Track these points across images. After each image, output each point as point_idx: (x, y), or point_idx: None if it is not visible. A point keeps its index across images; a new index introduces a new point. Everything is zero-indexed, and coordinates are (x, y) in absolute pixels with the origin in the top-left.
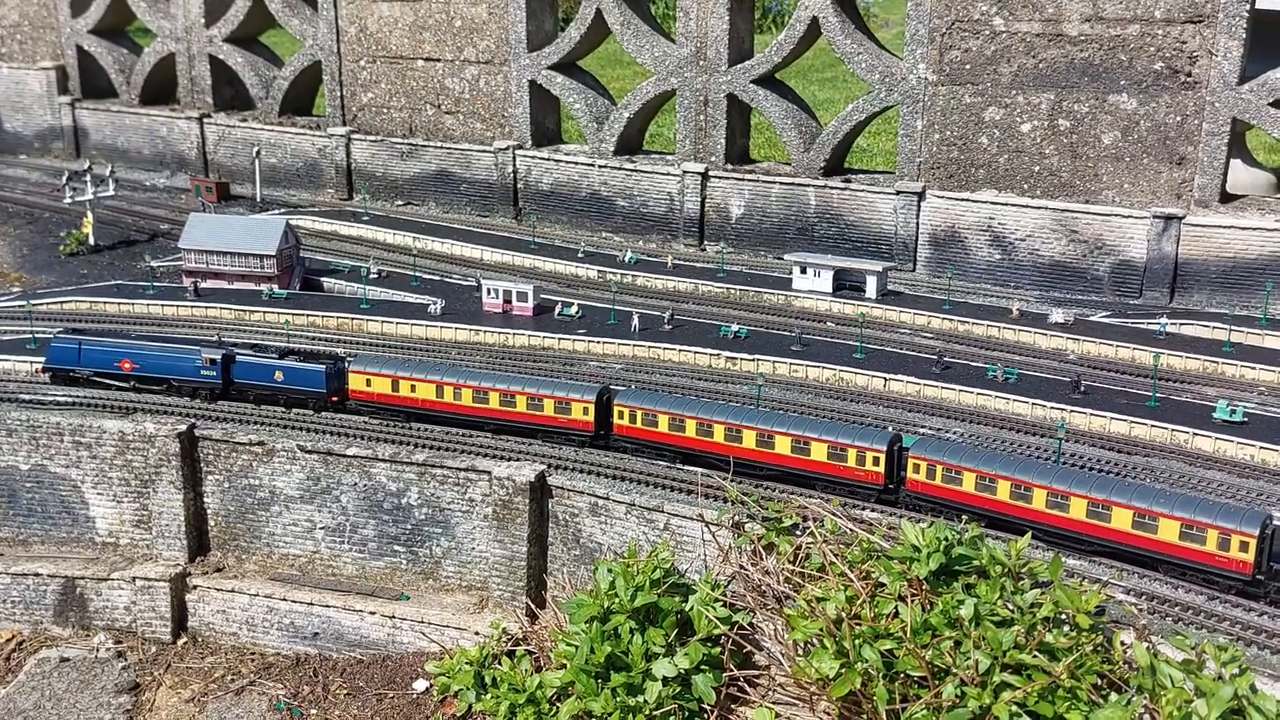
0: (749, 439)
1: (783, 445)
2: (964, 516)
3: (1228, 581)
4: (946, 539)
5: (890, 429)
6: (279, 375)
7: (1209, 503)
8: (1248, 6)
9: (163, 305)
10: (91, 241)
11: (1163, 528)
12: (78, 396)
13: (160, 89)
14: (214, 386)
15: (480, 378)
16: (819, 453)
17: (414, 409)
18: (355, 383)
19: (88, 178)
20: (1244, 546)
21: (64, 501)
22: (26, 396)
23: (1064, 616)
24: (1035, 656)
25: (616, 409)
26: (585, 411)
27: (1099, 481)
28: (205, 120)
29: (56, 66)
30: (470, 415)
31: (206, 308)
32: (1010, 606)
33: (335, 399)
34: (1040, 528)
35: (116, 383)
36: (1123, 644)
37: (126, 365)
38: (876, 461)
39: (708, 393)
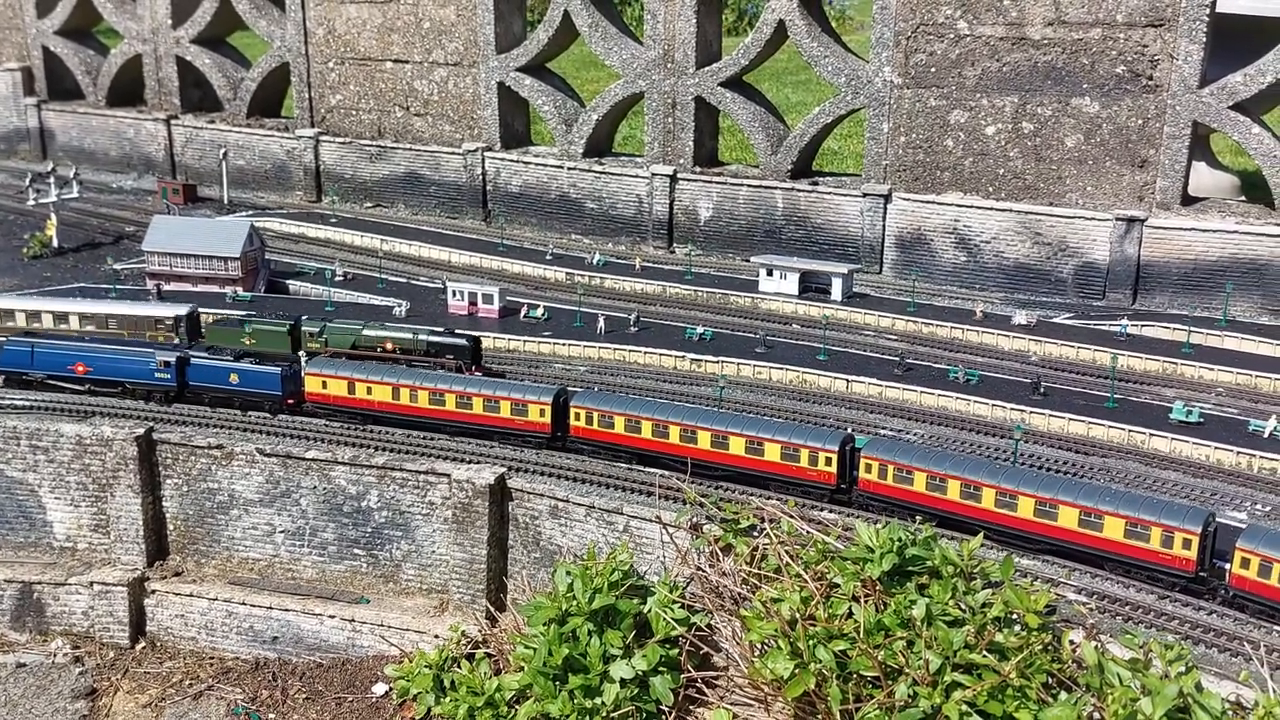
0: (704, 440)
1: (737, 446)
2: (918, 517)
3: (1171, 578)
4: (900, 540)
5: (849, 430)
6: (234, 378)
7: (1153, 501)
8: (1208, 10)
9: None
10: (55, 244)
11: (1108, 526)
12: (35, 400)
13: (127, 90)
14: (169, 389)
15: (435, 379)
16: (772, 453)
17: (370, 411)
18: (311, 385)
19: (51, 180)
20: (1187, 544)
21: (21, 506)
22: None
23: (1014, 616)
24: (985, 656)
25: (573, 411)
26: (542, 413)
27: (1046, 481)
28: (173, 122)
29: (22, 68)
30: (426, 417)
31: None
32: (962, 606)
33: (291, 401)
34: (990, 527)
35: (71, 385)
36: (1072, 643)
37: (80, 368)
38: (829, 462)
39: (672, 395)
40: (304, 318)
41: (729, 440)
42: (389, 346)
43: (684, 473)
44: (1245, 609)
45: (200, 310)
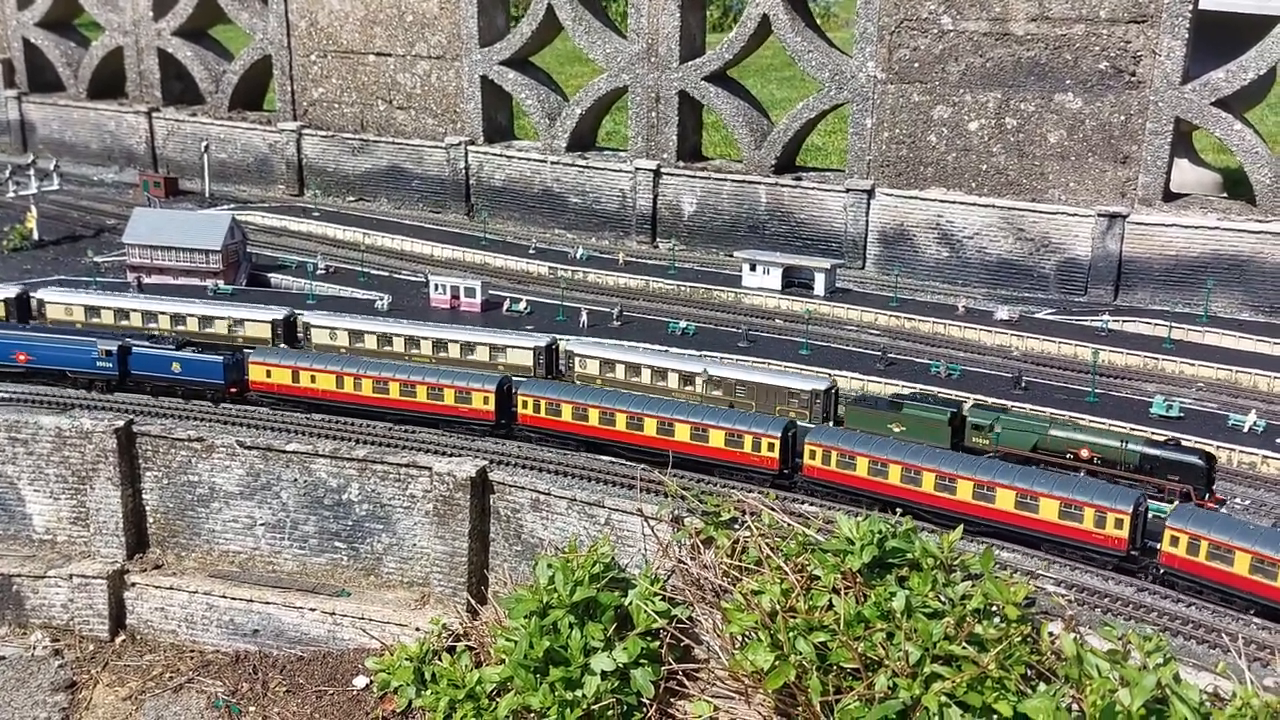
0: (650, 427)
1: (682, 432)
2: (882, 505)
3: (1104, 557)
4: (880, 532)
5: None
6: (176, 366)
7: (1086, 482)
8: (1190, 6)
9: None
10: (35, 236)
11: (1043, 507)
12: (13, 392)
13: (108, 83)
14: (110, 378)
15: (380, 368)
16: (717, 439)
17: (314, 399)
18: (255, 373)
19: (31, 172)
20: (1119, 524)
21: None
22: None
23: (994, 608)
24: (965, 648)
25: (520, 399)
26: (486, 401)
27: (984, 465)
28: (154, 115)
29: (2, 60)
30: (371, 405)
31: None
32: (942, 598)
33: (234, 390)
34: (930, 510)
35: (13, 373)
36: (1051, 635)
37: (21, 356)
38: (771, 447)
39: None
40: (969, 406)
41: (674, 427)
42: (1084, 454)
43: (629, 459)
44: (1175, 586)
45: (834, 383)
